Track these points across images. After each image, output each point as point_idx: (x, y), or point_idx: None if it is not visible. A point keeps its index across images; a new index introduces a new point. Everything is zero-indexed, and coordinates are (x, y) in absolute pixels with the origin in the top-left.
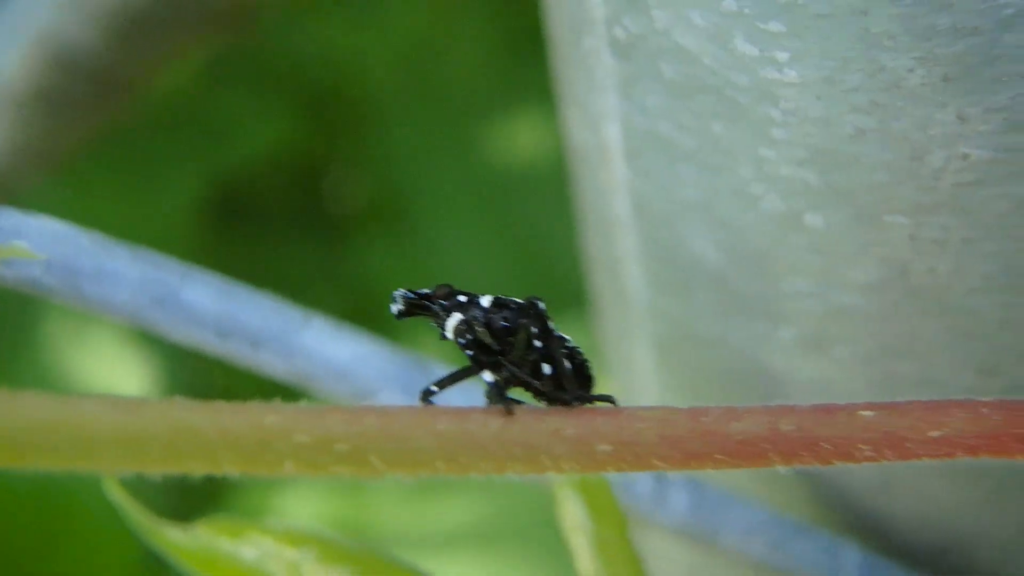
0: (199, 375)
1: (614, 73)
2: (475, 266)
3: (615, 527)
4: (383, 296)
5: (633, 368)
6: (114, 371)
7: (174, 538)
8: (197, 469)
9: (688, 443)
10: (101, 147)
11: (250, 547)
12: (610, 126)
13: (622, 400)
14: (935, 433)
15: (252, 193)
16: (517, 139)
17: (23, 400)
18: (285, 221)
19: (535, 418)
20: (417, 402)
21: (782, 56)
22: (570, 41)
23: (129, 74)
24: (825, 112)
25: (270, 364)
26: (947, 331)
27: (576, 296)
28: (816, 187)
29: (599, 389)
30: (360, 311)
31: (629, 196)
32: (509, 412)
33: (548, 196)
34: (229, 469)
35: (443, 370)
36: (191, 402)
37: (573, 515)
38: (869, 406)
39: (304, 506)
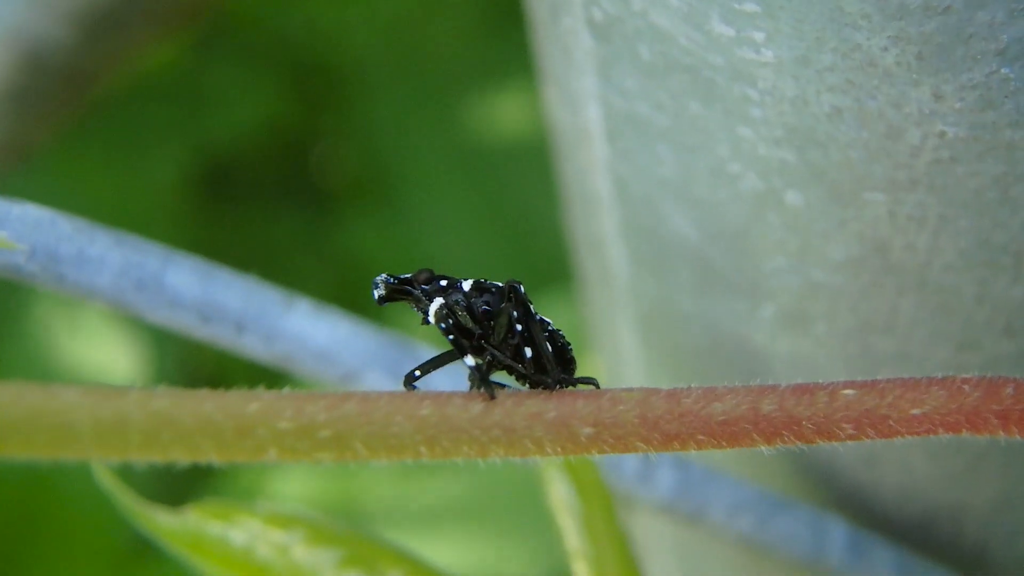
0: (188, 358)
1: (592, 54)
2: (459, 240)
3: (602, 506)
4: (369, 270)
5: (618, 346)
6: (104, 355)
7: (164, 522)
8: (180, 458)
9: (669, 424)
10: (89, 121)
11: (239, 530)
12: (590, 107)
13: (608, 377)
14: (916, 411)
15: (239, 167)
16: (501, 114)
17: (4, 390)
18: (271, 195)
19: (516, 402)
20: (401, 386)
21: (758, 36)
22: (549, 21)
23: (96, 69)
24: (801, 91)
25: (254, 347)
26: (925, 307)
27: (560, 272)
28: (794, 165)
29: (585, 369)
30: (346, 284)
31: (610, 176)
32: (491, 396)
33: (532, 171)
34: (212, 457)
35: (428, 350)
36: (172, 391)
37: (560, 495)
38: (849, 385)
39: (291, 487)
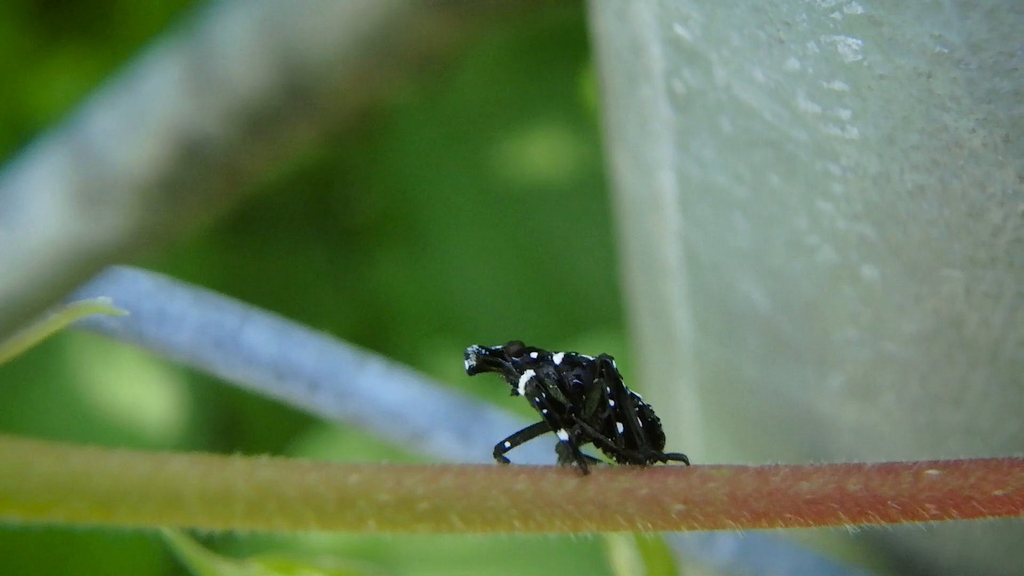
0: (210, 395)
1: (670, 124)
2: (486, 281)
3: (666, 570)
4: (393, 309)
5: (677, 409)
6: (137, 390)
7: (228, 575)
8: (282, 527)
9: (757, 503)
10: None
11: None
12: (664, 175)
13: (667, 446)
14: (998, 492)
15: (264, 203)
16: (530, 154)
17: (115, 458)
18: (297, 233)
19: (609, 477)
20: (475, 450)
21: (844, 114)
22: (624, 88)
23: (252, 164)
24: (884, 169)
25: (326, 405)
26: (996, 381)
27: (591, 315)
28: (872, 240)
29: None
30: (370, 323)
31: (680, 243)
32: (584, 471)
33: (562, 213)
34: (312, 527)
35: (494, 412)
36: (276, 461)
37: (625, 557)
38: (933, 465)
39: (320, 533)
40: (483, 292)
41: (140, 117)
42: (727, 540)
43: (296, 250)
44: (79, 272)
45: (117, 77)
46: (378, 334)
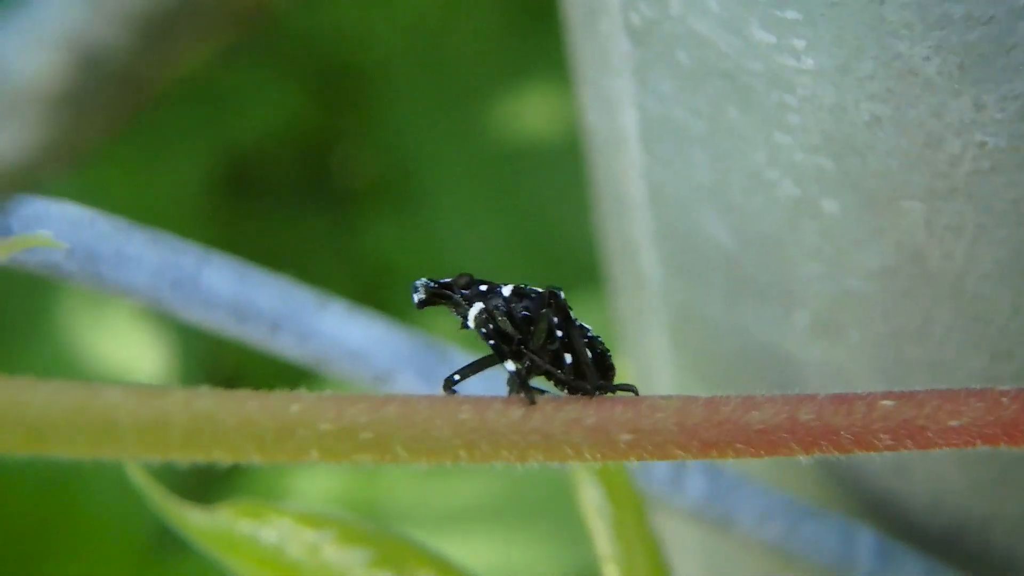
0: (209, 355)
1: (629, 58)
2: (482, 242)
3: (633, 511)
4: (390, 270)
5: (648, 350)
6: (129, 351)
7: (195, 521)
8: (221, 458)
9: (707, 432)
10: None
11: (270, 529)
12: (626, 111)
13: (638, 381)
14: (954, 423)
15: (262, 168)
16: (525, 115)
17: (45, 388)
18: (294, 196)
19: (555, 407)
20: (439, 390)
21: (798, 44)
22: (585, 24)
23: (151, 73)
24: (840, 99)
25: (287, 347)
26: (959, 316)
27: (585, 275)
28: (831, 173)
29: (618, 375)
30: (367, 285)
31: (645, 180)
32: (531, 401)
33: (556, 172)
34: (253, 458)
35: (458, 353)
36: (214, 391)
37: (591, 499)
38: (888, 395)
39: (315, 486)
40: (477, 252)
41: (37, 28)
42: (696, 481)
43: (294, 215)
44: None
45: None
46: (375, 296)
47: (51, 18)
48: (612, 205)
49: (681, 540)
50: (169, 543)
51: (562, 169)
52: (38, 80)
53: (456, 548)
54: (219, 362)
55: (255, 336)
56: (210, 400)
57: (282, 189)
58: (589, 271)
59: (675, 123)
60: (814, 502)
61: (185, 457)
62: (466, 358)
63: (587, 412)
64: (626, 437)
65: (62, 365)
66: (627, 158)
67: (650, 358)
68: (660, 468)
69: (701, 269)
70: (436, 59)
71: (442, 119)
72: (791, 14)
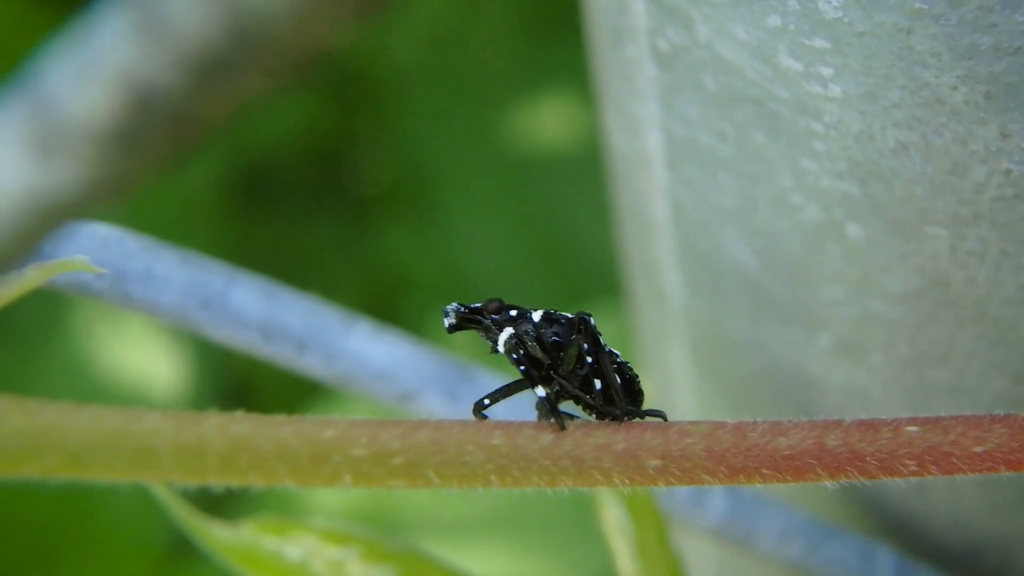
0: (223, 363)
1: (655, 82)
2: (496, 250)
3: (655, 530)
4: (403, 277)
5: (668, 366)
6: (143, 361)
7: (219, 536)
8: (256, 482)
9: (735, 458)
10: None
11: (294, 546)
12: (650, 133)
13: (658, 398)
14: (979, 448)
15: (276, 174)
16: (540, 122)
17: (86, 413)
18: (308, 202)
19: (585, 433)
20: (464, 408)
21: (826, 72)
22: (611, 47)
23: (204, 112)
24: (867, 126)
25: (314, 366)
26: (982, 340)
27: (601, 284)
28: (856, 198)
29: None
30: (380, 291)
31: (668, 202)
32: (561, 427)
33: (572, 181)
34: (287, 482)
35: (481, 372)
36: (250, 416)
37: (613, 518)
38: (913, 421)
39: (328, 495)
40: (490, 260)
41: (92, 66)
42: (717, 500)
43: (306, 221)
44: (38, 224)
45: (70, 27)
46: (388, 303)
47: (107, 57)
48: (634, 224)
49: (698, 558)
50: (183, 551)
51: (578, 178)
52: (92, 117)
53: (472, 560)
54: (229, 372)
55: (282, 356)
56: (246, 425)
57: (296, 195)
58: (605, 281)
59: (700, 147)
60: (834, 521)
61: (222, 481)
62: (489, 376)
63: (617, 438)
64: (655, 463)
65: (76, 374)
66: (651, 179)
67: (671, 375)
68: (682, 488)
69: (724, 290)
70: (452, 66)
71: (457, 126)
72: (819, 42)
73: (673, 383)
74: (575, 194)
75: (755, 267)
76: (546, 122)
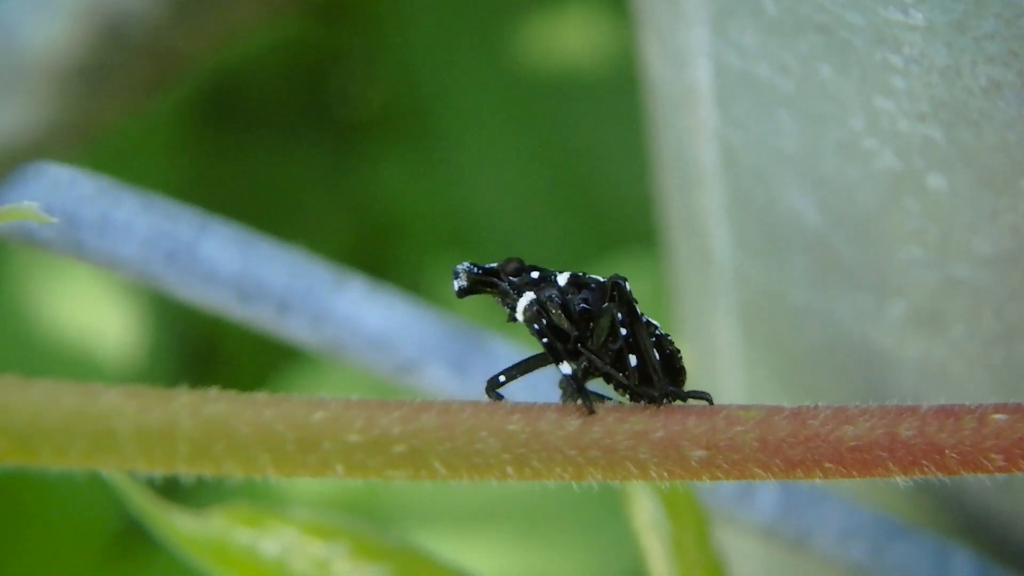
0: (185, 321)
1: (705, 5)
2: (507, 188)
3: (694, 527)
4: (398, 219)
5: (713, 339)
6: (91, 317)
7: (184, 527)
8: (233, 471)
9: (792, 450)
10: None
11: (272, 540)
12: (698, 65)
13: (698, 374)
14: None
15: (247, 94)
16: (560, 38)
17: (35, 389)
18: (285, 128)
19: (618, 418)
20: (473, 383)
21: None
22: None
23: (184, 47)
24: (954, 61)
25: (298, 330)
26: None
27: (630, 231)
28: (939, 145)
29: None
30: (370, 236)
31: (718, 145)
32: (589, 410)
33: (596, 108)
34: (269, 472)
35: (495, 339)
36: (227, 395)
37: (646, 513)
38: (1000, 408)
39: (306, 481)
40: (502, 200)
41: None
42: (767, 494)
43: (284, 150)
44: None
45: None
46: (379, 250)
47: None
48: (676, 170)
49: (742, 558)
50: (137, 540)
51: (603, 106)
52: (53, 52)
53: (479, 557)
54: (191, 334)
55: (260, 317)
56: (222, 406)
57: (270, 120)
58: (637, 229)
59: (757, 81)
60: (904, 518)
61: (193, 469)
62: (504, 346)
63: (655, 424)
64: (699, 454)
65: (11, 331)
66: (698, 118)
67: (715, 349)
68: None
69: (781, 249)
70: None
71: (464, 41)
72: None
73: (718, 359)
74: (602, 124)
75: (819, 223)
76: (570, 38)
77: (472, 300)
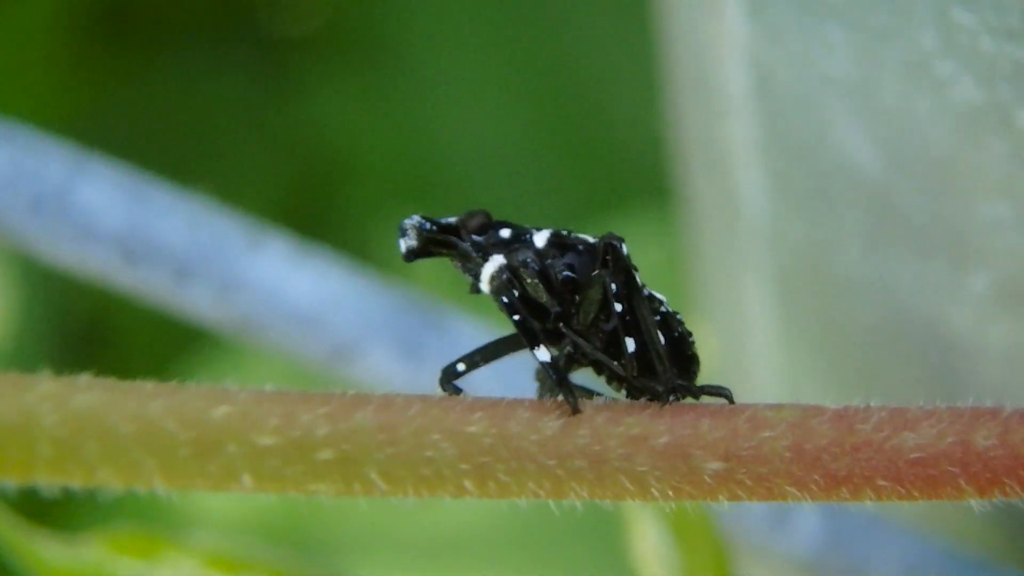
0: (64, 295)
1: None
2: (483, 122)
3: (711, 560)
4: (341, 156)
5: (741, 314)
6: None
7: (52, 556)
8: (109, 481)
9: (835, 462)
10: None
11: (165, 572)
12: None
13: (722, 358)
14: None
15: (152, 2)
16: None
17: None
18: (199, 45)
19: (610, 418)
20: (435, 386)
21: None
22: None
23: None
24: None
25: (200, 301)
26: None
27: (636, 177)
28: None
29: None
30: (307, 179)
31: (749, 65)
32: (573, 408)
33: (597, 19)
34: (156, 482)
35: (458, 317)
36: (101, 382)
37: (648, 541)
38: None
39: (218, 502)
40: (476, 140)
41: None
42: (807, 519)
43: (196, 74)
44: None
45: None
46: (316, 201)
47: None
48: (695, 96)
49: None
50: None
51: (608, 16)
52: None
53: None
54: (76, 305)
55: (153, 285)
56: (95, 396)
57: (182, 33)
58: (645, 176)
59: None
60: (980, 551)
61: (57, 479)
62: (467, 325)
63: (658, 427)
64: (715, 466)
65: None
66: (723, 30)
67: (744, 326)
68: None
69: (828, 200)
70: None
71: None
72: None
73: (747, 339)
74: (602, 40)
75: (877, 169)
76: None
77: (428, 266)
